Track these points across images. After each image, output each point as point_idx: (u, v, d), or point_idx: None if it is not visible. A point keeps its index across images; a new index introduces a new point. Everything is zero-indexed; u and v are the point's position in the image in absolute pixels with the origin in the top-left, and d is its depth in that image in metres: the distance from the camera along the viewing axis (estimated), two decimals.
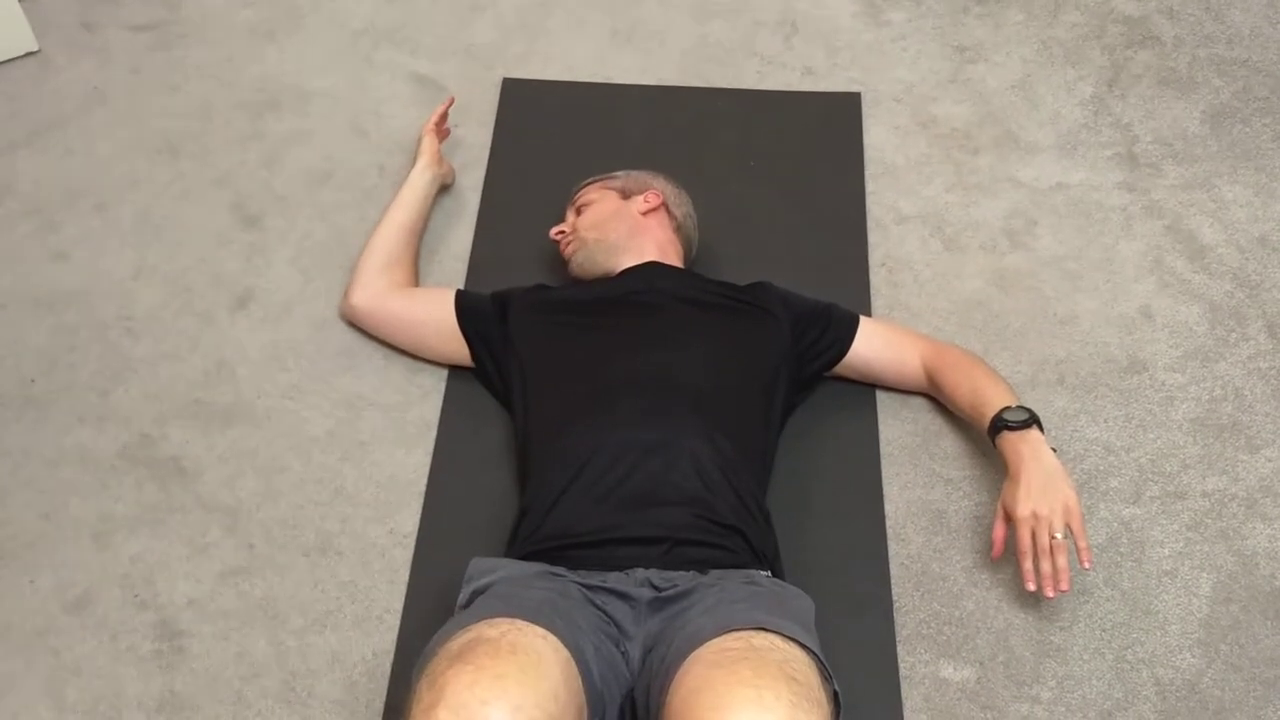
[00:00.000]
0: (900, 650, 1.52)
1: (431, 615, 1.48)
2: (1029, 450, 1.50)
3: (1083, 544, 1.45)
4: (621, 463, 1.44)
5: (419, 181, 1.91)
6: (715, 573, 1.34)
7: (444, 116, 2.00)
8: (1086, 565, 1.45)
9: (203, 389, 1.77)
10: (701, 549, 1.38)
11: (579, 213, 1.83)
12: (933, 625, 1.54)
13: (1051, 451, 1.50)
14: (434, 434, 1.72)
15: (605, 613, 1.30)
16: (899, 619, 1.55)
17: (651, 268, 1.73)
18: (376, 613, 1.55)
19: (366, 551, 1.61)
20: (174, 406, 1.75)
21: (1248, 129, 2.11)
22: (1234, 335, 1.83)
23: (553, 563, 1.37)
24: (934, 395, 1.73)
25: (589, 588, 1.31)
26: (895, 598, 1.57)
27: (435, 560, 1.59)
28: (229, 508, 1.65)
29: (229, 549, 1.61)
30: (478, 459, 1.69)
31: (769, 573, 1.41)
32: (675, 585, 1.32)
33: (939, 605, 1.56)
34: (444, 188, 2.00)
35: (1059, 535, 1.44)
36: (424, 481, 1.67)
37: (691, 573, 1.34)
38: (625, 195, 1.82)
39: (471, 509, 1.64)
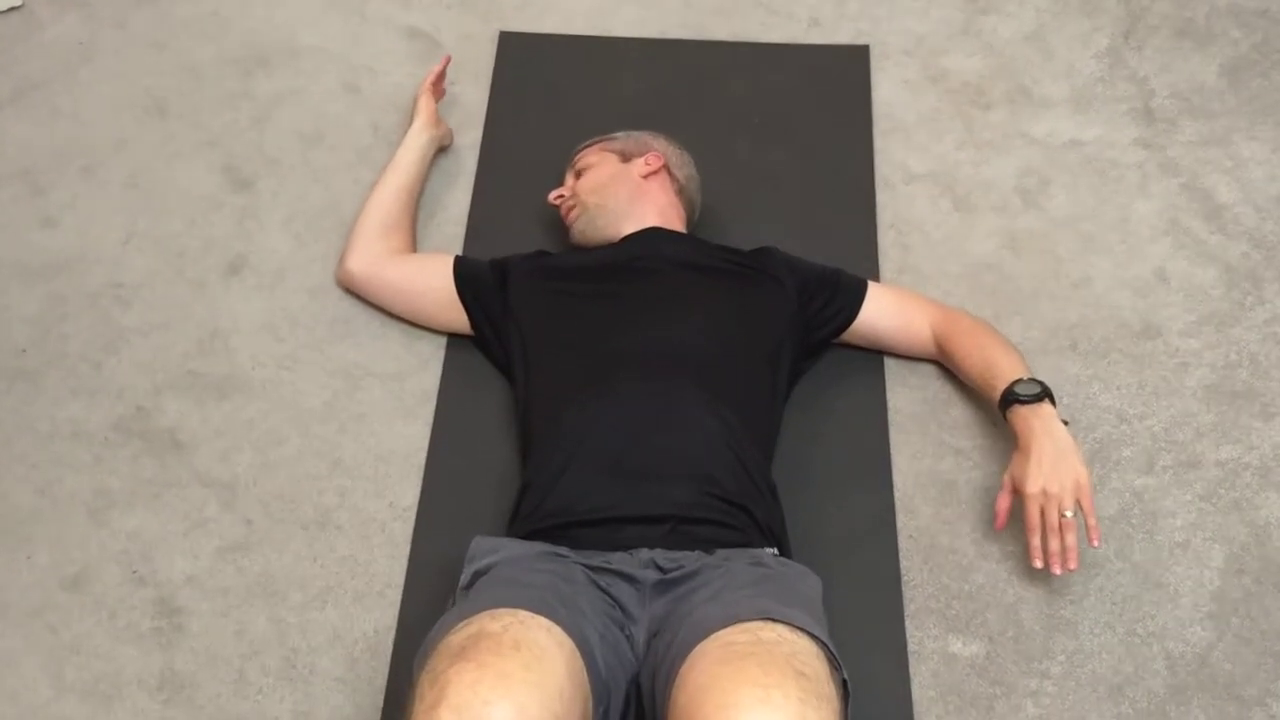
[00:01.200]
0: (909, 625, 1.50)
1: (433, 590, 1.46)
2: (1040, 425, 1.47)
3: (1092, 521, 1.43)
4: (624, 437, 1.41)
5: (416, 143, 1.85)
6: (721, 552, 1.32)
7: (440, 76, 1.95)
8: (1095, 544, 1.43)
9: (197, 359, 1.73)
10: (707, 527, 1.35)
11: (578, 176, 1.78)
12: (941, 600, 1.52)
13: (1064, 425, 1.47)
14: (433, 404, 1.69)
15: (610, 595, 1.28)
16: (907, 593, 1.53)
17: (653, 233, 1.69)
18: (377, 588, 1.53)
19: (366, 525, 1.58)
20: (168, 377, 1.72)
21: (1266, 83, 2.05)
22: (1250, 299, 1.79)
23: (555, 542, 1.34)
24: (943, 363, 1.69)
25: (593, 569, 1.29)
26: (903, 571, 1.54)
27: (436, 534, 1.57)
28: (226, 482, 1.62)
29: (227, 524, 1.59)
30: (478, 430, 1.66)
31: (775, 550, 1.39)
32: (681, 566, 1.29)
33: (948, 579, 1.54)
34: (441, 149, 1.94)
35: (1069, 513, 1.42)
36: (424, 454, 1.64)
37: (697, 552, 1.32)
38: (625, 158, 1.77)
39: (472, 482, 1.61)
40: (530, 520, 1.39)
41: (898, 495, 1.61)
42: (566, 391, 1.48)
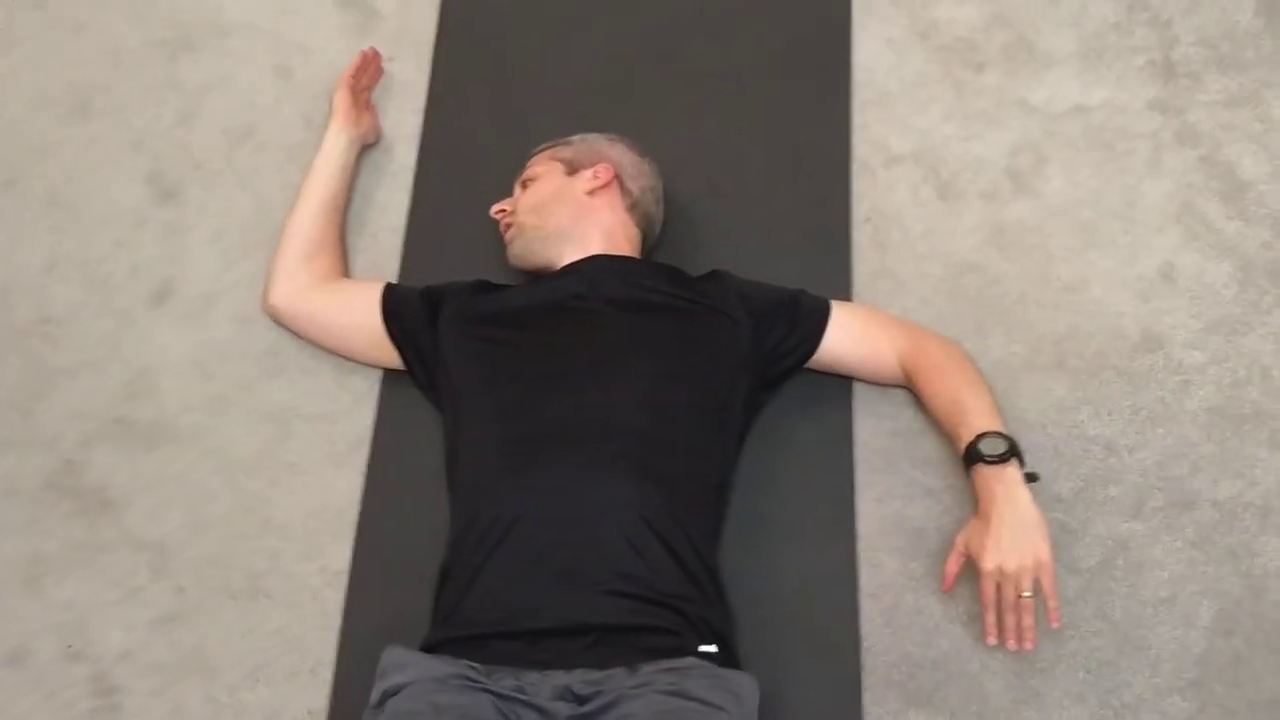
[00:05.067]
0: (866, 699, 1.41)
1: (364, 667, 1.38)
2: (1003, 492, 1.33)
3: (1052, 603, 1.31)
4: (544, 531, 1.31)
5: (333, 148, 1.70)
6: (646, 669, 1.23)
7: (359, 70, 1.77)
8: (1055, 625, 1.33)
9: (125, 404, 1.65)
10: (631, 635, 1.26)
11: (524, 187, 1.63)
12: (903, 669, 1.42)
13: (1028, 492, 1.34)
14: (367, 450, 1.60)
15: None
16: (866, 661, 1.43)
17: (596, 264, 1.54)
18: (309, 665, 1.48)
19: (297, 593, 1.52)
20: (98, 426, 1.64)
21: None
22: (1267, 299, 1.59)
23: (470, 656, 1.26)
24: (913, 386, 1.55)
25: (503, 698, 1.21)
26: (863, 635, 1.45)
27: (368, 602, 1.50)
28: (157, 544, 1.56)
29: (159, 592, 1.53)
30: (414, 478, 1.56)
31: (714, 646, 1.29)
32: (599, 692, 1.20)
33: (911, 645, 1.44)
34: (367, 146, 1.79)
35: (1026, 594, 1.30)
36: (356, 509, 1.56)
37: (620, 670, 1.23)
38: (572, 169, 1.61)
39: (406, 539, 1.53)
40: (446, 625, 1.31)
41: (861, 545, 1.50)
42: (487, 477, 1.38)
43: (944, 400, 1.46)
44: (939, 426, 1.49)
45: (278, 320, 1.66)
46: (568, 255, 1.56)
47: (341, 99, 1.73)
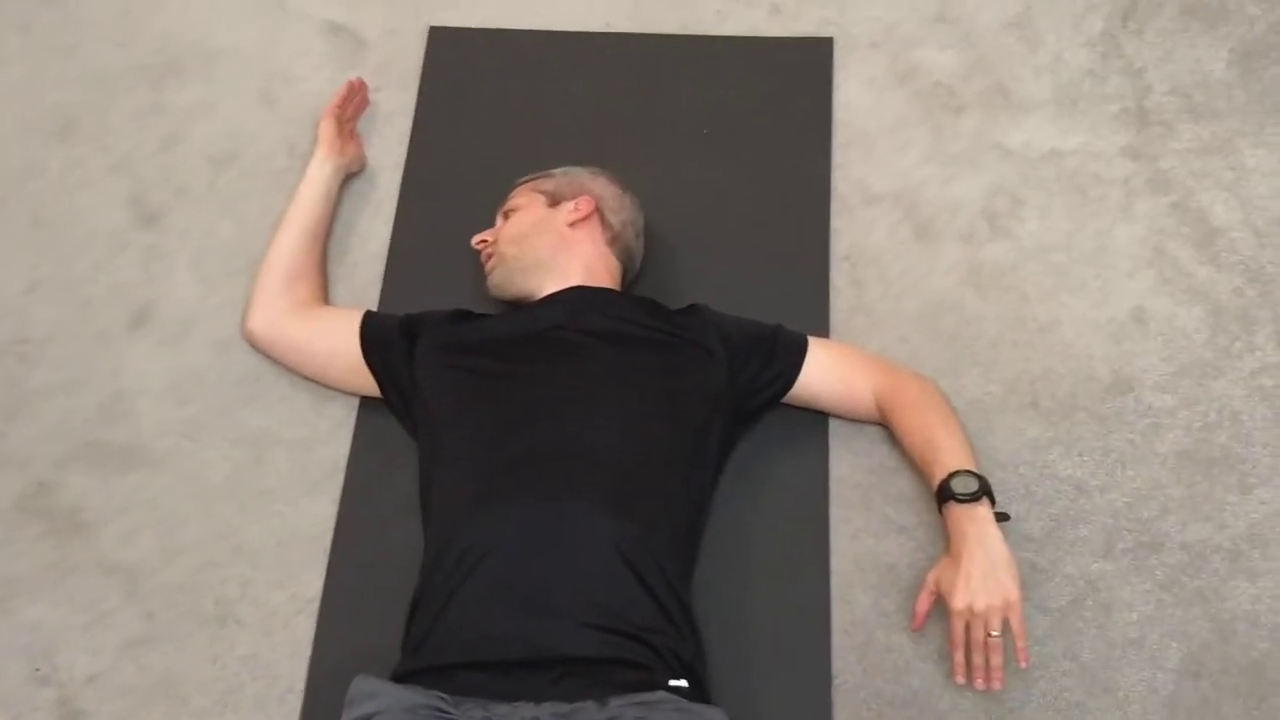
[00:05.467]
0: None
1: (334, 695, 1.37)
2: (975, 531, 1.34)
3: (1021, 644, 1.32)
4: (516, 562, 1.31)
5: (317, 176, 1.71)
6: (615, 703, 1.22)
7: (345, 99, 1.78)
8: (1024, 665, 1.33)
9: (100, 426, 1.65)
10: (600, 668, 1.26)
11: (506, 218, 1.64)
12: (874, 706, 1.42)
13: (999, 531, 1.35)
14: (342, 477, 1.59)
15: None
16: (837, 697, 1.43)
17: (577, 294, 1.55)
18: (278, 692, 1.46)
19: (268, 620, 1.51)
20: (72, 447, 1.63)
21: None
22: (1238, 344, 1.62)
23: (438, 686, 1.25)
24: (888, 424, 1.56)
25: None
26: (835, 672, 1.45)
27: (338, 630, 1.50)
28: (128, 568, 1.55)
29: (128, 617, 1.52)
30: (388, 506, 1.56)
31: (684, 681, 1.29)
32: None
33: (882, 683, 1.44)
34: (351, 174, 1.80)
35: (995, 633, 1.31)
36: (329, 537, 1.55)
37: (590, 704, 1.22)
38: (554, 202, 1.62)
39: (379, 567, 1.52)
40: (417, 655, 1.31)
41: (834, 581, 1.50)
42: (461, 506, 1.37)
43: (918, 438, 1.47)
44: (913, 464, 1.50)
45: (256, 346, 1.66)
46: (547, 286, 1.57)
47: (326, 128, 1.74)
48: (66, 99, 1.92)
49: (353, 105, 1.82)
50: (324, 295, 1.68)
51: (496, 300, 1.64)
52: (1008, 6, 1.90)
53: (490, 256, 1.62)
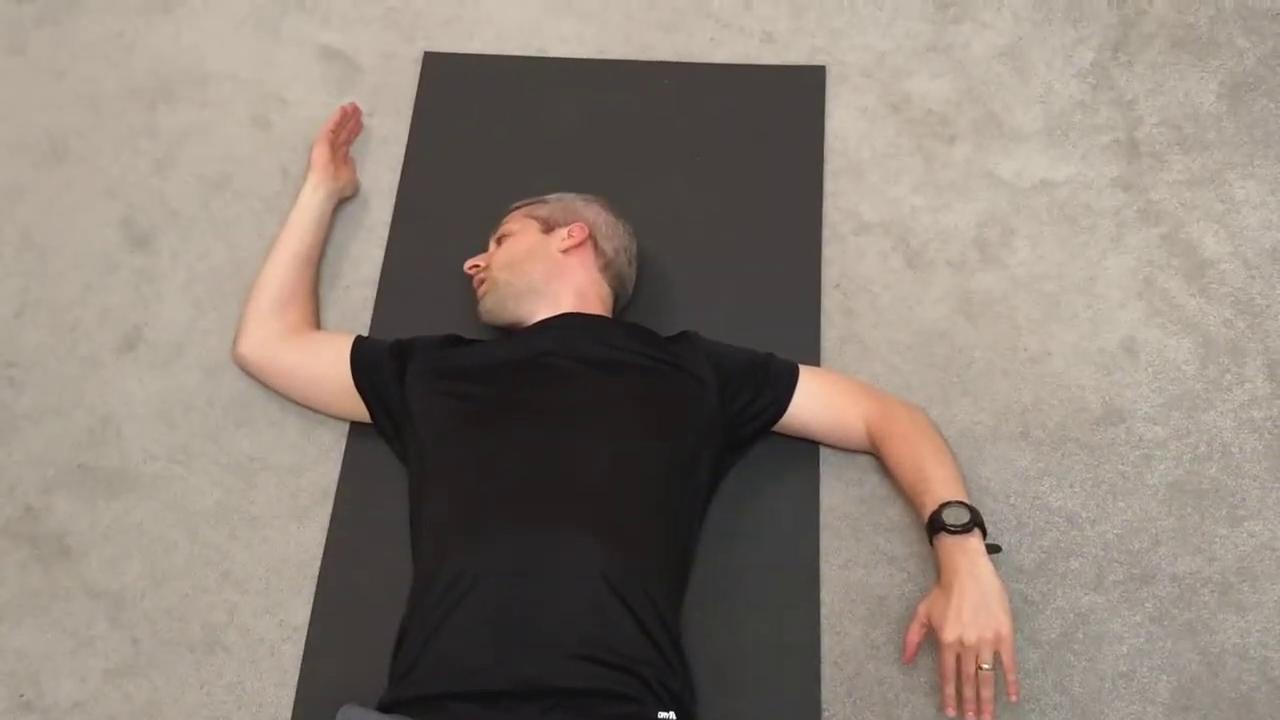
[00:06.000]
0: None
1: None
2: (966, 563, 1.34)
3: (1011, 677, 1.31)
4: (506, 590, 1.30)
5: (310, 202, 1.71)
6: None
7: (339, 125, 1.78)
8: (1014, 699, 1.32)
9: (88, 450, 1.64)
10: (589, 700, 1.25)
11: (499, 243, 1.64)
12: None
13: (991, 563, 1.34)
14: (331, 504, 1.59)
15: None
16: None
17: (568, 321, 1.55)
18: None
19: (255, 648, 1.50)
20: (59, 472, 1.63)
21: (1272, 104, 1.83)
22: (1228, 377, 1.62)
23: (426, 715, 1.25)
24: (879, 454, 1.55)
25: None
26: (825, 704, 1.44)
27: (325, 658, 1.49)
28: (114, 594, 1.54)
29: (114, 643, 1.51)
30: (376, 533, 1.55)
31: (672, 714, 1.28)
32: None
33: (872, 716, 1.43)
34: (344, 199, 1.80)
35: (986, 666, 1.30)
36: (317, 563, 1.55)
37: None
38: (548, 228, 1.62)
39: (366, 595, 1.52)
40: (404, 684, 1.30)
41: (824, 612, 1.50)
42: (450, 533, 1.37)
43: (909, 468, 1.47)
44: (903, 494, 1.50)
45: (246, 370, 1.66)
46: (539, 312, 1.57)
47: (320, 153, 1.74)
48: (59, 121, 1.92)
49: (346, 130, 1.82)
50: (315, 320, 1.68)
51: (488, 326, 1.63)
52: (999, 37, 1.91)
53: (482, 282, 1.62)
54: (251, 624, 1.51)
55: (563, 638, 1.28)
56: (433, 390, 1.51)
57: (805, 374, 1.55)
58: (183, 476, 1.61)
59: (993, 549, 1.37)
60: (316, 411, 1.63)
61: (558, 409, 1.45)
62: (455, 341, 1.59)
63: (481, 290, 1.62)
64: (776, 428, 1.55)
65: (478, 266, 1.64)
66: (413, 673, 1.30)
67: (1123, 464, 1.57)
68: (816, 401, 1.54)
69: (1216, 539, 1.51)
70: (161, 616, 1.53)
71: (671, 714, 1.28)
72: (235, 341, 1.65)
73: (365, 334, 1.69)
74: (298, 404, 1.64)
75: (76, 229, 1.82)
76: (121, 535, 1.58)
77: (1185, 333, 1.65)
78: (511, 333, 1.60)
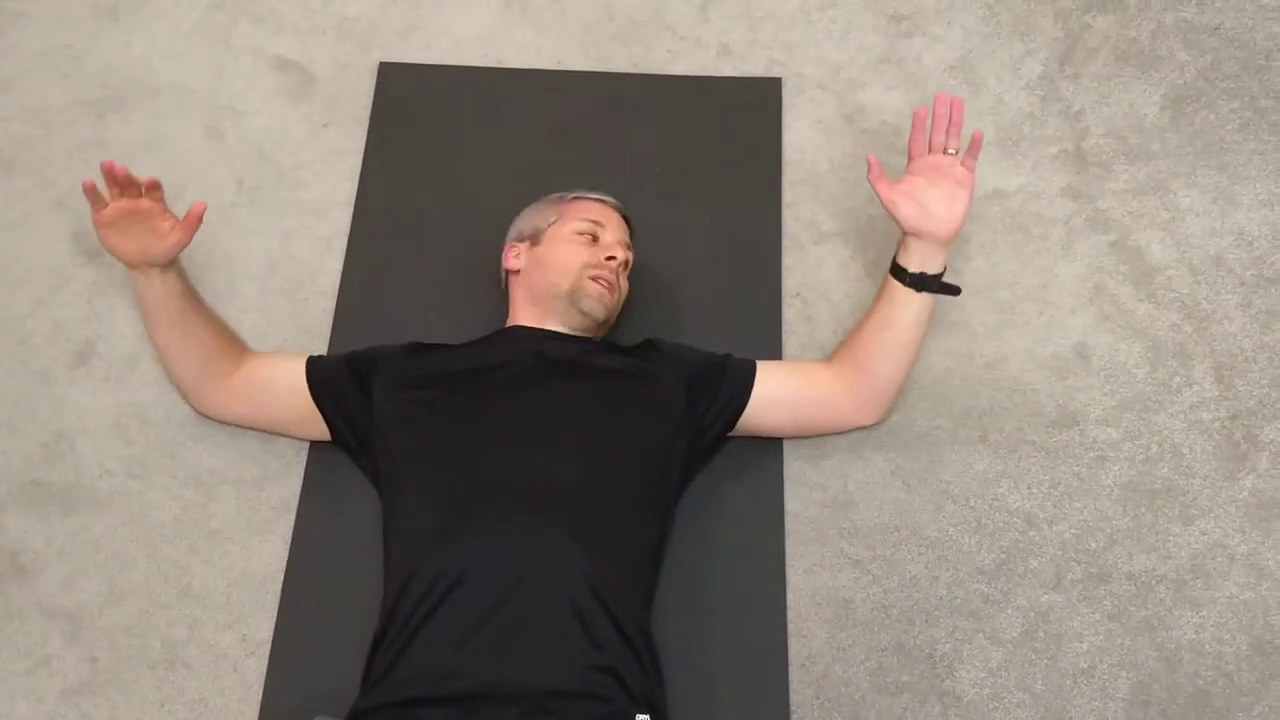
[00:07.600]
0: None
1: None
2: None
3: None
4: (484, 594, 1.30)
5: (146, 291, 1.48)
6: None
7: (98, 202, 1.42)
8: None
9: (41, 466, 1.61)
10: (568, 701, 1.25)
11: (628, 250, 1.64)
12: None
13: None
14: (293, 516, 1.57)
15: None
16: None
17: (531, 329, 1.55)
18: None
19: (217, 663, 1.48)
20: (12, 489, 1.59)
21: (1212, 116, 1.88)
22: (1177, 379, 1.66)
23: None
24: (861, 375, 1.53)
25: None
26: (793, 706, 1.45)
27: (290, 673, 1.47)
28: (70, 612, 1.51)
29: (71, 662, 1.48)
30: (340, 547, 1.54)
31: (647, 716, 1.28)
32: None
33: (839, 716, 1.44)
34: (172, 262, 1.47)
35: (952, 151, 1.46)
36: (280, 577, 1.53)
37: None
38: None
39: (330, 608, 1.51)
40: (379, 689, 1.28)
41: (791, 616, 1.51)
42: (425, 539, 1.36)
43: (866, 322, 1.52)
44: (874, 326, 1.51)
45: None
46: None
47: (110, 244, 1.44)
48: (6, 133, 1.89)
49: (120, 189, 1.41)
50: (238, 343, 1.57)
51: (583, 315, 1.56)
52: (950, 50, 1.95)
53: (615, 279, 1.59)
54: (213, 639, 1.49)
55: (541, 640, 1.28)
56: (402, 400, 1.50)
57: (762, 363, 1.55)
58: (140, 491, 1.59)
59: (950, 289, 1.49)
60: (291, 438, 1.61)
61: (528, 413, 1.45)
62: (419, 349, 1.57)
63: (609, 285, 1.57)
64: (751, 421, 1.54)
65: (613, 259, 1.60)
66: (388, 678, 1.29)
67: (1078, 465, 1.60)
68: (781, 376, 1.54)
69: (1170, 537, 1.55)
70: (120, 634, 1.50)
71: (646, 716, 1.28)
72: (187, 402, 1.62)
73: (326, 344, 1.68)
74: (269, 433, 1.61)
75: (26, 242, 1.79)
76: (77, 552, 1.55)
77: (1135, 337, 1.70)
78: (480, 339, 1.58)
